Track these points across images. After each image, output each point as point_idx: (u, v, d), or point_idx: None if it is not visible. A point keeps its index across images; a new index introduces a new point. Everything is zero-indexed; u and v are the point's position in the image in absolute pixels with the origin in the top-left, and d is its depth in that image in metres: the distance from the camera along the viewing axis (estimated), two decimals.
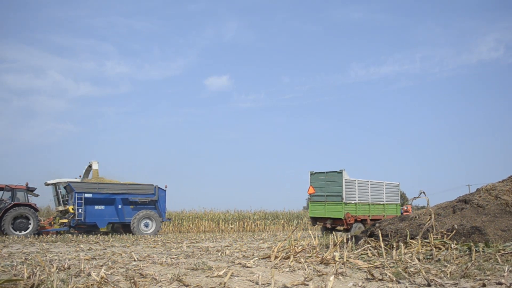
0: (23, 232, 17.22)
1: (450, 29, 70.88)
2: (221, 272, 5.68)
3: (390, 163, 69.99)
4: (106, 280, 5.00)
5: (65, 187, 19.97)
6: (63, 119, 67.92)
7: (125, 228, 20.65)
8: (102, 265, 7.03)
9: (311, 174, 19.16)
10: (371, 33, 72.16)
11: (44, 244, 12.80)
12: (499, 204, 8.59)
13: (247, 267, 6.57)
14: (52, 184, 20.40)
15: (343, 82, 73.36)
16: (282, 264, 6.69)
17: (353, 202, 18.14)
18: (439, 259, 6.48)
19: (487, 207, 8.60)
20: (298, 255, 7.28)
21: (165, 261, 7.38)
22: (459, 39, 70.59)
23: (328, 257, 6.72)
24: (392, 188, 20.34)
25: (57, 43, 64.28)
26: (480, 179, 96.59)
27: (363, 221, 18.18)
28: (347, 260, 6.43)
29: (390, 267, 5.86)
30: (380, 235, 8.06)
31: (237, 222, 30.89)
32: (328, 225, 18.06)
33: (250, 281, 5.29)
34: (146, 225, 20.17)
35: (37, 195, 19.33)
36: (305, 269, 5.86)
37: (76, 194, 18.86)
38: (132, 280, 4.96)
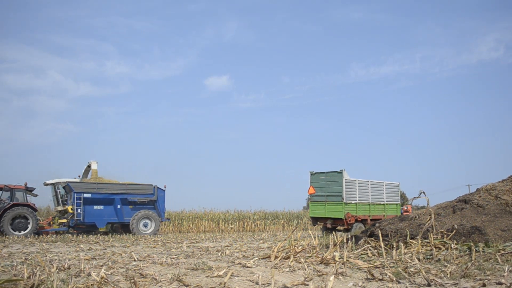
0: (22, 232, 17.21)
1: (450, 29, 70.97)
2: (221, 272, 5.68)
3: (390, 163, 70.04)
4: (106, 280, 4.99)
5: (64, 187, 19.95)
6: (63, 119, 67.95)
7: (124, 228, 20.64)
8: (102, 265, 7.02)
9: (311, 174, 19.16)
10: (371, 33, 72.23)
11: (44, 244, 12.80)
12: (499, 204, 8.59)
13: (247, 267, 6.57)
14: (51, 184, 20.40)
15: (343, 82, 73.42)
16: (282, 264, 6.69)
17: (353, 202, 18.14)
18: (439, 259, 6.48)
19: (487, 207, 8.60)
20: (298, 255, 7.28)
21: (165, 261, 7.38)
22: (459, 39, 70.68)
23: (328, 257, 6.72)
24: (392, 188, 20.35)
25: (57, 43, 64.32)
26: (480, 179, 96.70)
27: (363, 221, 18.19)
28: (347, 260, 6.42)
29: (390, 267, 5.86)
30: (380, 235, 8.06)
31: (237, 222, 30.88)
32: (329, 225, 18.06)
33: (250, 281, 5.29)
34: (145, 225, 20.16)
35: (36, 195, 19.33)
36: (305, 269, 5.86)
37: (75, 194, 18.85)
38: (132, 280, 4.95)
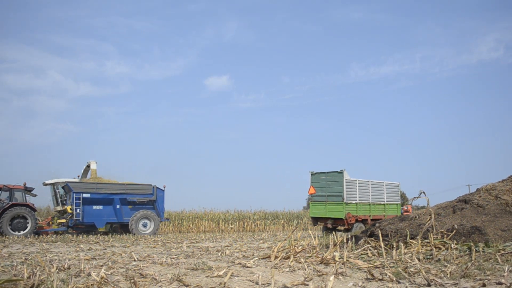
0: (21, 232, 17.20)
1: (450, 29, 70.99)
2: (221, 272, 5.67)
3: (390, 163, 70.08)
4: (106, 280, 4.99)
5: (63, 187, 19.94)
6: (63, 119, 67.94)
7: (124, 228, 20.63)
8: (102, 265, 7.02)
9: (311, 174, 19.16)
10: (371, 33, 72.25)
11: (44, 244, 12.79)
12: (499, 204, 8.59)
13: (247, 267, 6.57)
14: (50, 184, 20.38)
15: (343, 82, 73.44)
16: (282, 264, 6.69)
17: (354, 202, 18.15)
18: (439, 259, 6.48)
19: (487, 207, 8.60)
20: (298, 255, 7.28)
21: (165, 261, 7.38)
22: (459, 39, 70.70)
23: (328, 257, 6.72)
24: (392, 188, 20.36)
25: (57, 43, 64.32)
26: (480, 179, 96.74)
27: (364, 221, 18.20)
28: (347, 260, 6.42)
29: (390, 267, 5.86)
30: (380, 235, 8.06)
31: (237, 222, 30.88)
32: (329, 225, 18.06)
33: (250, 281, 5.29)
34: (145, 225, 20.15)
35: (35, 195, 19.32)
36: (305, 269, 5.86)
37: (74, 194, 18.84)
38: (132, 280, 4.95)
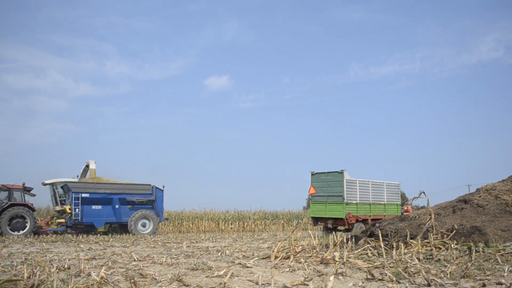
0: (20, 232, 17.19)
1: (450, 29, 70.99)
2: (221, 272, 5.67)
3: (390, 163, 70.07)
4: (106, 280, 4.98)
5: (62, 187, 19.92)
6: (63, 119, 67.91)
7: (123, 228, 20.62)
8: (102, 265, 7.01)
9: (312, 175, 19.17)
10: (371, 33, 72.24)
11: (44, 244, 12.78)
12: (499, 204, 8.59)
13: (247, 267, 6.56)
14: (49, 184, 20.36)
15: (343, 82, 73.43)
16: (282, 264, 6.69)
17: (354, 202, 18.15)
18: (439, 259, 6.48)
19: (487, 207, 8.60)
20: (298, 255, 7.28)
21: (165, 261, 7.37)
22: (459, 39, 70.70)
23: (328, 257, 6.72)
24: (392, 188, 20.38)
25: (57, 43, 64.28)
26: (480, 179, 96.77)
27: (364, 221, 18.21)
28: (347, 260, 6.42)
29: (390, 267, 5.86)
30: (380, 235, 8.06)
31: (237, 222, 30.87)
32: (330, 225, 18.07)
33: (250, 281, 5.29)
34: (144, 225, 20.14)
35: (34, 195, 19.28)
36: (305, 269, 5.85)
37: (73, 194, 18.81)
38: (132, 280, 4.95)
